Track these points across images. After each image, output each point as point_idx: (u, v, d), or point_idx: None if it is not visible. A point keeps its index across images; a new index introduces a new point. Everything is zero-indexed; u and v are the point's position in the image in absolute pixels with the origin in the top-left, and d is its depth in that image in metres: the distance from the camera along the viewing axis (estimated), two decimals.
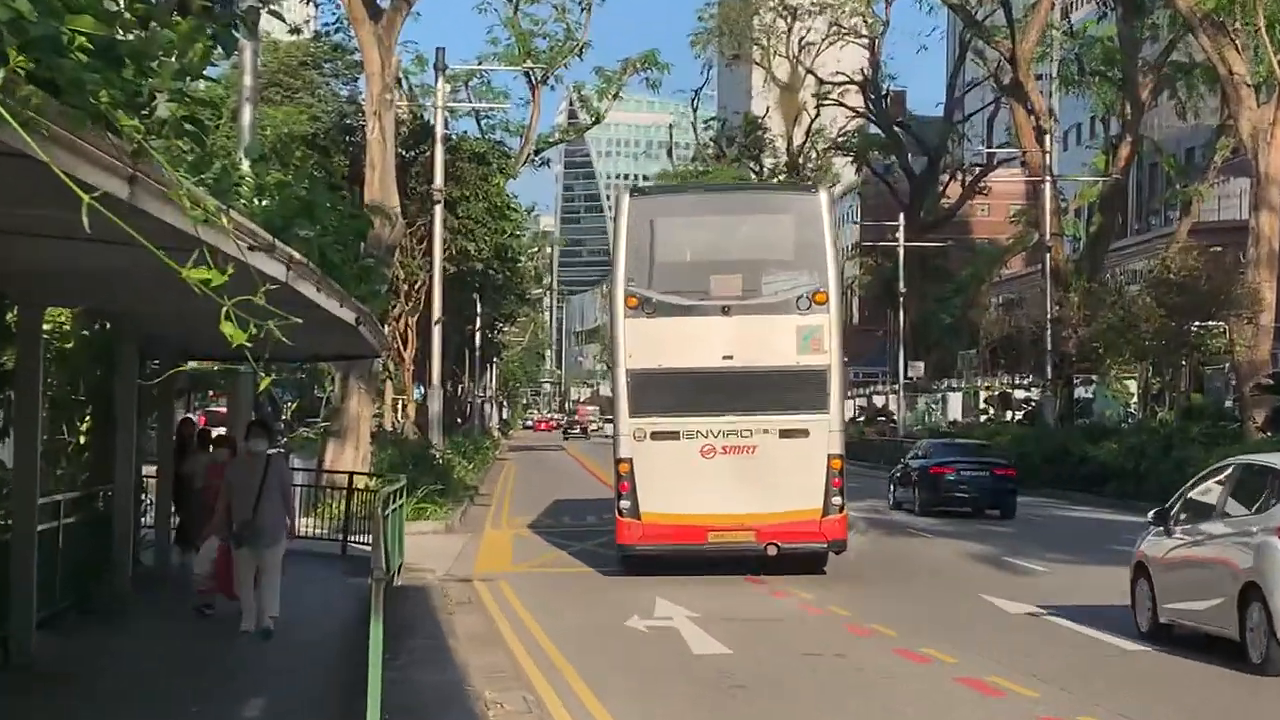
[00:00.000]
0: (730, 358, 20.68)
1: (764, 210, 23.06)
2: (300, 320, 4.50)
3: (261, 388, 5.45)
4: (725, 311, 20.78)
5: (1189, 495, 14.86)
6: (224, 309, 3.92)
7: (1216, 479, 14.54)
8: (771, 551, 20.44)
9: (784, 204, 23.22)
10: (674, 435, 20.63)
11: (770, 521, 20.36)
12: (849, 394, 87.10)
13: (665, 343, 20.70)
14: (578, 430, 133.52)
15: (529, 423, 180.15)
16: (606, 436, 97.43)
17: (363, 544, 21.86)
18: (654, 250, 21.17)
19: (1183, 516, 14.67)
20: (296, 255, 6.73)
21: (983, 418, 60.89)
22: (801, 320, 20.67)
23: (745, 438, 20.59)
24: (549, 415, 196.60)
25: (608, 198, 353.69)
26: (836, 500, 20.32)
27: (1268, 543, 12.59)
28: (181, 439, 18.80)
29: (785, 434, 20.51)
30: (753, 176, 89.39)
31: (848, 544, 21.11)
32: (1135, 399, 48.66)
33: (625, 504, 20.83)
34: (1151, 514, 15.34)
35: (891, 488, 36.24)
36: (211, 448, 17.35)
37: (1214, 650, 13.32)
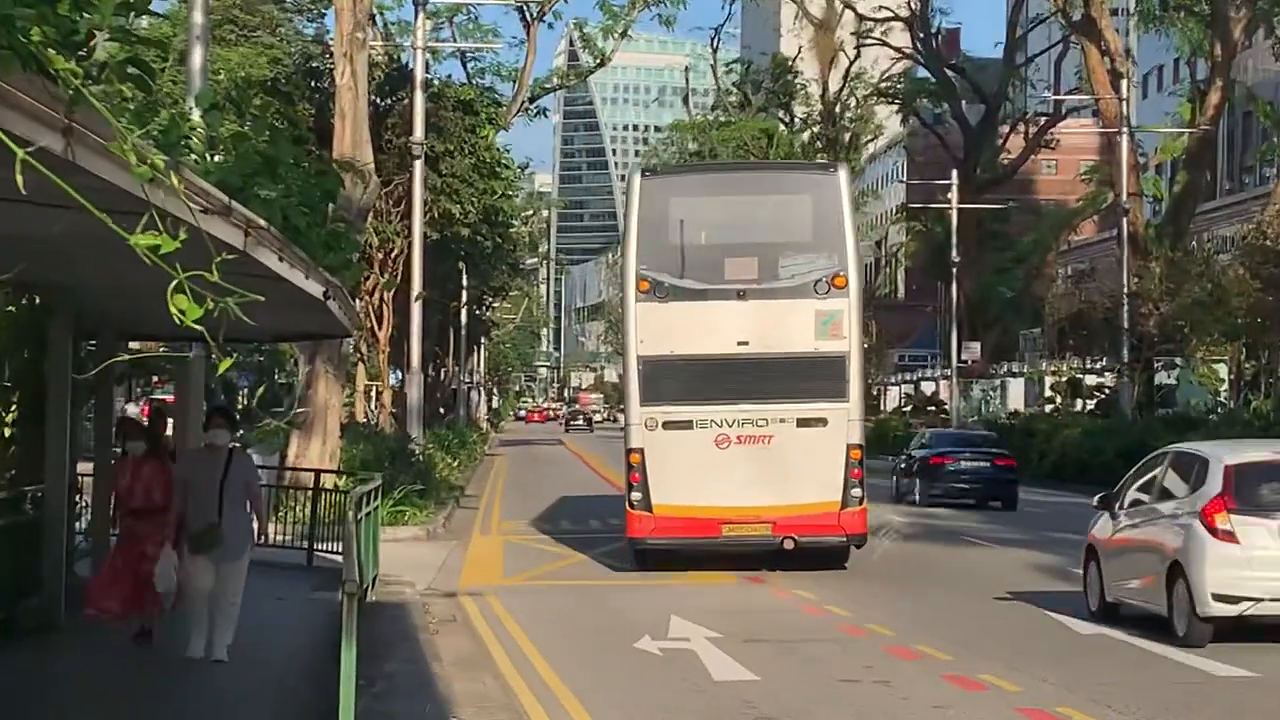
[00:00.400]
0: (746, 344, 22.25)
1: (780, 190, 24.30)
2: (263, 296, 4.50)
3: (221, 369, 5.45)
4: (740, 296, 22.36)
5: (1131, 481, 18.04)
6: (175, 281, 3.92)
7: (1155, 466, 17.67)
8: (789, 545, 21.96)
9: (801, 184, 24.61)
10: (687, 425, 22.24)
11: (787, 514, 21.89)
12: (894, 381, 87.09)
13: (678, 329, 22.28)
14: (581, 422, 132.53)
15: (520, 413, 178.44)
16: (614, 429, 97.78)
17: (331, 553, 21.92)
18: (666, 233, 22.77)
19: (1126, 502, 17.81)
20: (256, 219, 6.73)
21: (1048, 407, 60.89)
22: (820, 305, 22.24)
23: (761, 427, 22.16)
24: (541, 405, 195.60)
25: (614, 152, 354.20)
26: (856, 492, 21.89)
27: (1192, 526, 15.77)
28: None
29: (803, 423, 22.08)
30: (781, 127, 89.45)
31: (868, 538, 22.91)
32: (1226, 385, 48.60)
33: (636, 496, 22.43)
34: (1096, 499, 18.71)
35: (895, 479, 39.28)
36: (125, 440, 14.89)
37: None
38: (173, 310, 4.02)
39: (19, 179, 3.70)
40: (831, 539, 22.20)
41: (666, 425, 22.31)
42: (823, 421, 22.07)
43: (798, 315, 22.31)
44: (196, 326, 4.29)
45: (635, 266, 22.65)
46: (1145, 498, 17.47)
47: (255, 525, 13.94)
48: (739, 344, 22.31)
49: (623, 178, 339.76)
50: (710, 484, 21.99)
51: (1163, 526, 16.53)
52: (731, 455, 22.19)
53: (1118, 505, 17.98)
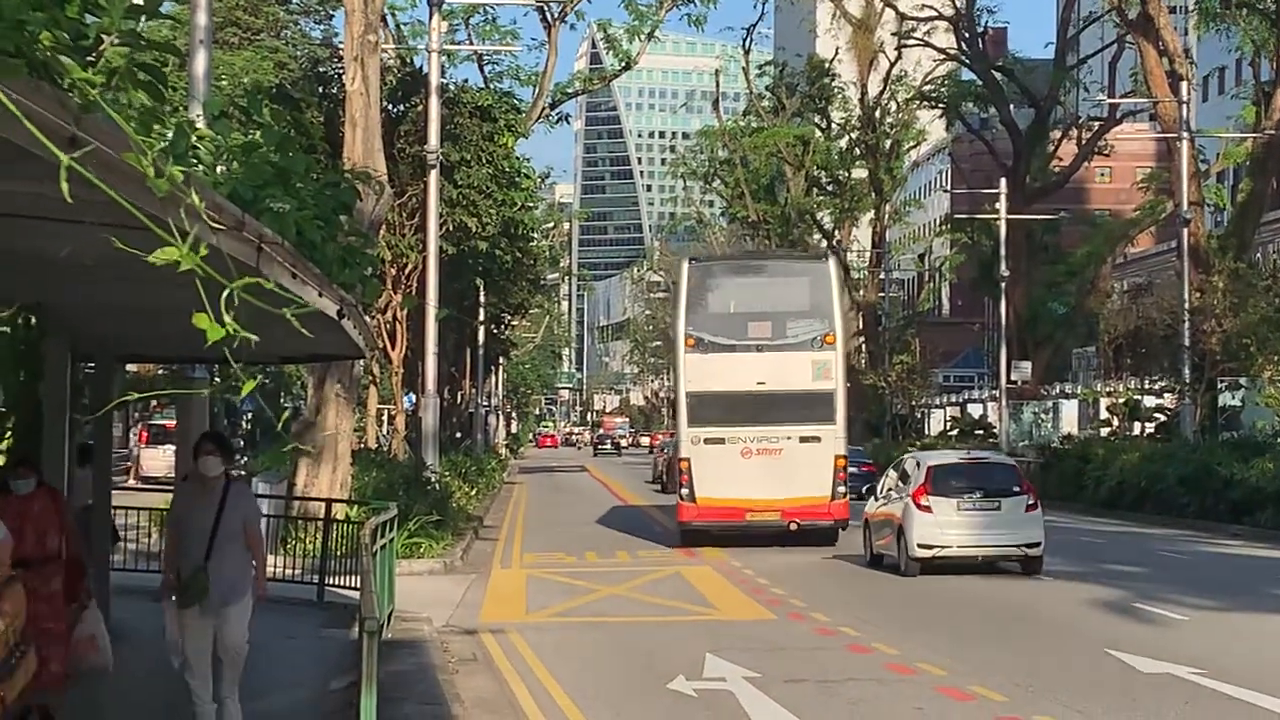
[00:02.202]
0: (763, 383, 33.68)
1: (787, 274, 36.42)
2: (290, 314, 4.48)
3: (245, 392, 5.38)
4: (759, 349, 34.10)
5: (887, 474, 30.37)
6: (220, 298, 3.90)
7: (897, 467, 30.08)
8: (793, 527, 33.37)
9: (802, 270, 36.62)
10: (720, 440, 33.66)
11: (792, 504, 33.35)
12: (938, 403, 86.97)
13: (715, 372, 33.83)
14: (609, 446, 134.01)
15: (534, 436, 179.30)
16: (641, 454, 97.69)
17: (343, 587, 21.93)
18: (707, 304, 34.76)
19: (880, 491, 29.77)
20: (270, 233, 6.72)
21: (1104, 430, 60.67)
22: (815, 356, 33.99)
23: (773, 443, 33.56)
24: (550, 429, 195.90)
25: (639, 160, 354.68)
26: (840, 489, 33.51)
27: (907, 503, 27.27)
28: None
29: (803, 440, 33.53)
30: (818, 134, 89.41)
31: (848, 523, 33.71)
32: None
33: (685, 491, 33.93)
34: (865, 489, 32.02)
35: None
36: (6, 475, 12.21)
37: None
38: (207, 329, 4.00)
39: (64, 187, 3.68)
40: (823, 522, 33.40)
41: (707, 441, 33.68)
42: (817, 439, 33.50)
43: (799, 363, 33.89)
44: (244, 340, 4.27)
45: (684, 328, 34.50)
46: (889, 487, 29.34)
47: (256, 571, 12.34)
48: (758, 383, 33.67)
49: (648, 187, 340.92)
50: (737, 483, 33.27)
51: (895, 504, 28.13)
52: (752, 462, 33.50)
53: (878, 492, 29.97)
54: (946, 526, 27.01)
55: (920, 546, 26.88)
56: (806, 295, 34.61)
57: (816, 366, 33.84)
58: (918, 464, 28.62)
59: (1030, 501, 27.62)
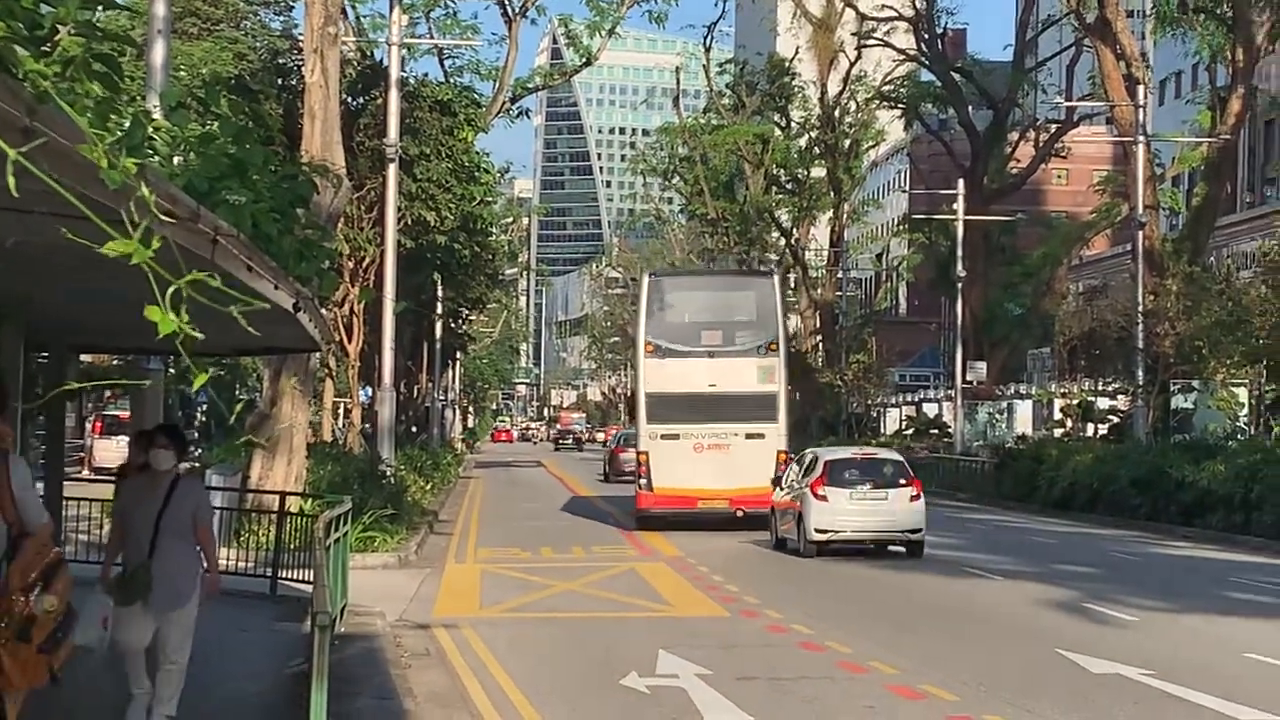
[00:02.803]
0: (714, 386, 37.46)
1: (736, 288, 41.72)
2: (246, 306, 4.47)
3: (197, 385, 5.37)
4: (710, 355, 37.96)
5: (791, 467, 33.81)
6: (166, 290, 3.88)
7: (800, 461, 33.16)
8: (740, 514, 36.70)
9: (749, 284, 42.37)
10: (676, 436, 37.53)
11: (739, 494, 36.90)
12: (894, 402, 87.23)
13: (671, 375, 37.74)
14: (570, 441, 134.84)
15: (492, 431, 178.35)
16: (598, 450, 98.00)
17: (296, 580, 21.87)
18: (665, 313, 38.80)
19: (785, 481, 33.06)
20: (225, 226, 6.70)
21: (1058, 431, 60.95)
22: (760, 362, 37.95)
23: (723, 439, 37.39)
24: (507, 424, 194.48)
25: (599, 156, 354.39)
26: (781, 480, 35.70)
27: (806, 492, 30.59)
28: None
29: (749, 436, 37.42)
30: (777, 132, 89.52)
31: None
32: (1246, 410, 48.69)
33: (644, 481, 37.81)
34: (769, 479, 34.47)
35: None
36: None
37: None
38: (158, 322, 3.98)
39: (11, 181, 3.66)
40: (766, 510, 34.37)
41: (663, 436, 37.62)
42: (762, 435, 37.41)
43: (746, 368, 37.83)
44: (190, 336, 4.25)
45: (644, 335, 38.59)
46: (793, 478, 32.60)
47: (204, 568, 11.78)
48: (710, 386, 37.46)
49: (608, 183, 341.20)
50: (690, 474, 37.06)
51: (795, 494, 31.63)
52: (704, 456, 37.36)
53: (783, 483, 33.23)
54: (839, 514, 30.62)
55: (817, 531, 30.53)
56: (753, 307, 38.95)
57: (761, 371, 37.98)
58: (816, 458, 32.15)
59: (914, 493, 30.95)
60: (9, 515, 7.73)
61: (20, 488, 7.96)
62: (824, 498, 30.50)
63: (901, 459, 33.81)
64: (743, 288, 41.69)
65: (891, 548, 31.27)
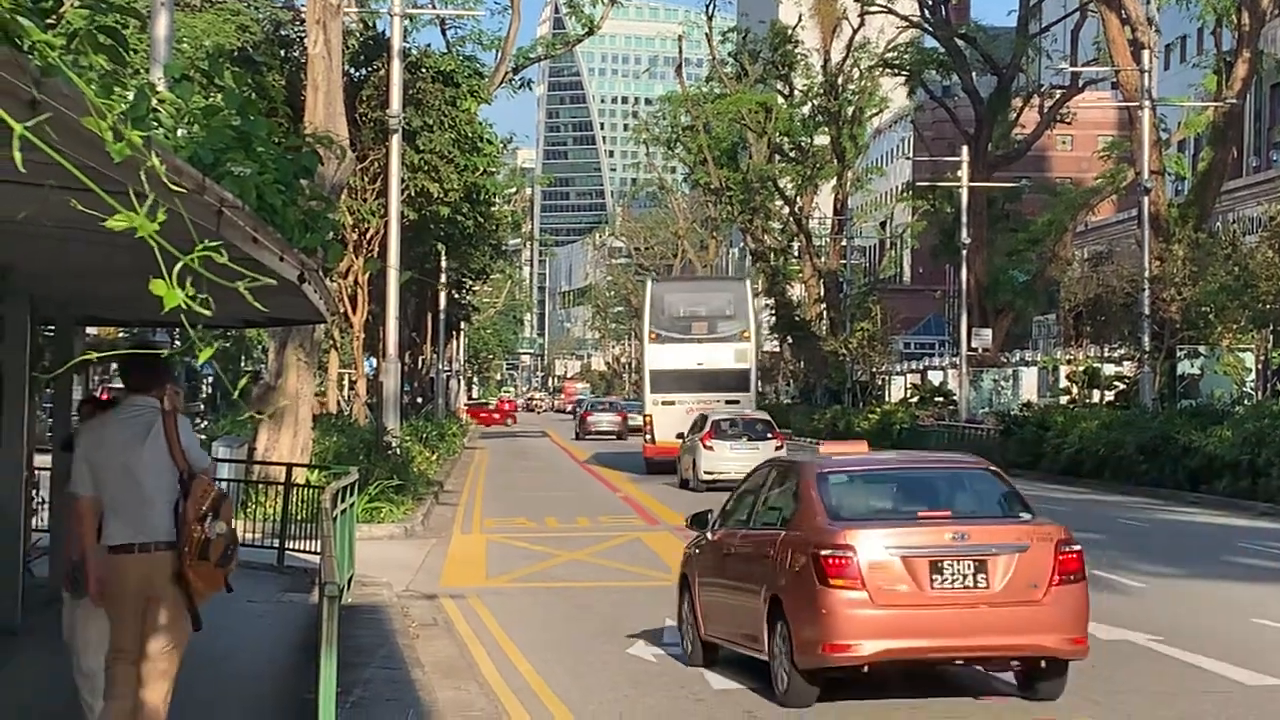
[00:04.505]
0: (701, 364, 49.09)
1: (718, 290, 56.37)
2: (259, 280, 4.47)
3: (202, 359, 5.38)
4: (698, 341, 49.76)
5: (694, 424, 43.85)
6: (172, 265, 3.88)
7: (700, 419, 43.50)
8: None
9: (727, 287, 57.05)
10: (672, 403, 48.72)
11: None
12: (899, 370, 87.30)
13: (669, 356, 49.75)
14: (607, 430, 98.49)
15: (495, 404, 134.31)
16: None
17: (303, 552, 21.92)
18: (664, 310, 51.07)
19: (688, 435, 43.55)
20: (231, 198, 6.69)
21: (1064, 398, 60.91)
22: (736, 346, 50.09)
23: (708, 404, 46.75)
24: (510, 395, 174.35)
25: (601, 126, 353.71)
26: None
27: (697, 444, 41.85)
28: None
29: (729, 403, 47.57)
30: (780, 100, 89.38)
31: None
32: (1252, 375, 48.68)
33: (648, 436, 50.08)
34: (680, 434, 45.49)
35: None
36: None
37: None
38: (164, 296, 3.98)
39: (17, 156, 3.66)
40: None
41: (663, 403, 49.30)
42: (737, 402, 48.26)
43: (726, 350, 49.83)
44: (195, 310, 4.26)
45: (649, 326, 51.33)
46: (690, 432, 43.09)
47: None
48: (698, 364, 49.10)
49: (610, 153, 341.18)
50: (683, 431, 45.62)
51: (691, 446, 42.36)
52: (693, 418, 44.81)
53: (686, 437, 43.60)
54: (722, 459, 40.31)
55: (705, 473, 40.75)
56: (731, 304, 51.50)
57: (737, 353, 50.22)
58: (705, 418, 43.12)
59: (779, 444, 41.33)
60: (180, 463, 9.09)
61: (186, 439, 9.17)
62: (711, 448, 41.28)
63: (769, 418, 45.41)
64: (723, 290, 56.30)
65: None
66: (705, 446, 41.11)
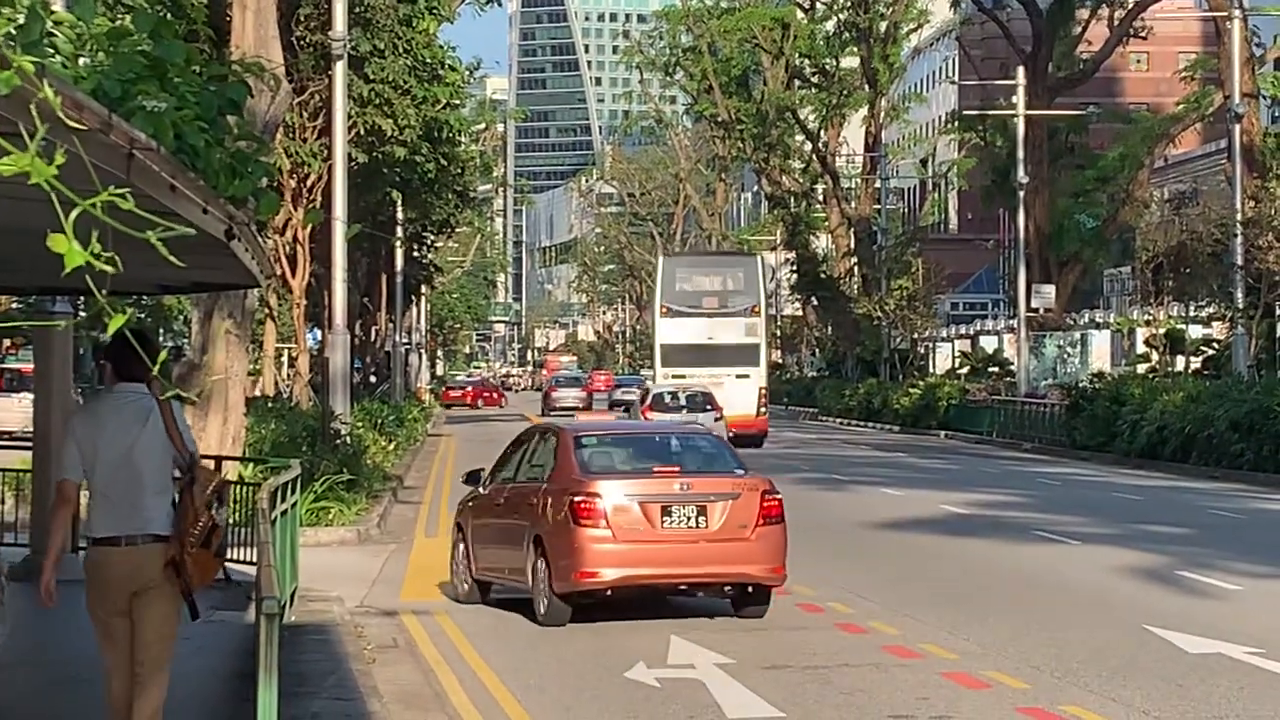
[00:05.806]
0: (712, 338, 58.60)
1: (730, 266, 65.12)
2: (194, 231, 4.44)
3: (112, 328, 5.36)
4: (710, 315, 59.61)
5: (640, 397, 58.73)
6: (73, 216, 3.86)
7: (644, 391, 58.85)
8: (731, 435, 42.94)
9: (740, 263, 66.83)
10: (683, 377, 56.20)
11: (731, 419, 51.13)
12: (944, 336, 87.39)
13: (680, 330, 59.46)
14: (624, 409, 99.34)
15: (462, 386, 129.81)
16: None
17: (236, 561, 21.91)
18: (675, 283, 61.32)
19: (635, 408, 57.25)
20: (142, 138, 6.67)
21: (1142, 367, 61.07)
22: (746, 320, 60.07)
23: (718, 378, 55.83)
24: (484, 369, 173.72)
25: (586, 49, 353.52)
26: (763, 410, 59.09)
27: (639, 415, 51.93)
28: None
29: (738, 377, 57.73)
30: (800, 15, 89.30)
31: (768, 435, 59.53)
32: None
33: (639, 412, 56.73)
34: (754, 409, 57.92)
35: None
36: None
37: None
38: (65, 254, 3.96)
39: None
40: (752, 431, 55.13)
41: (674, 377, 56.52)
42: (747, 376, 57.99)
43: (736, 325, 59.25)
44: (103, 271, 4.24)
45: (660, 300, 60.56)
46: (635, 405, 57.68)
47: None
48: (708, 338, 58.42)
49: (597, 81, 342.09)
50: None
51: (634, 415, 53.56)
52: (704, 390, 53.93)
53: (633, 409, 55.54)
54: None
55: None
56: (742, 279, 61.33)
57: (747, 327, 59.77)
58: (648, 390, 53.47)
59: (718, 416, 49.11)
60: (180, 448, 9.91)
61: (182, 425, 10.01)
62: (650, 419, 46.62)
63: (710, 392, 52.90)
64: (734, 265, 65.57)
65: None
66: (645, 420, 46.99)
